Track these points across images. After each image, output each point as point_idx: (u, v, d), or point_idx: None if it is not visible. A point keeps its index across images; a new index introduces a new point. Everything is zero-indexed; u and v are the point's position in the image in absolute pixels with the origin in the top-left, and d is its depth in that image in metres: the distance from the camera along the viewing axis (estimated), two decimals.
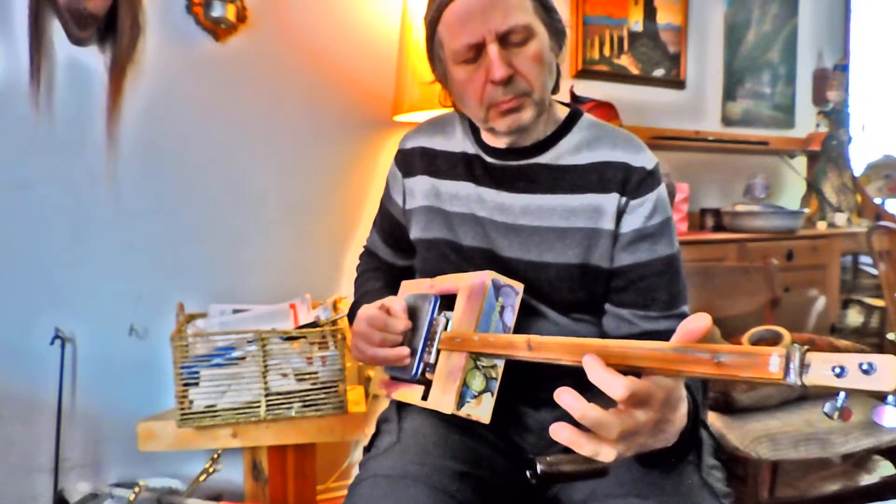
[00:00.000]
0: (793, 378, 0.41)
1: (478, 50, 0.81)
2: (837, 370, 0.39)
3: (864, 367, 0.38)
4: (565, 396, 0.52)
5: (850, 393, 0.40)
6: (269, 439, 1.41)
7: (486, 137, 0.93)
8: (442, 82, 0.92)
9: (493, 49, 0.79)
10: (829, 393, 0.42)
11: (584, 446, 0.53)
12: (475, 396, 0.76)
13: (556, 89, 0.89)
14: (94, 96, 1.55)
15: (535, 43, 0.82)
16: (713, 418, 1.40)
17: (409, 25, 1.67)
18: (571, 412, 0.52)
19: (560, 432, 0.52)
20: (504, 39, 0.80)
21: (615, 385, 0.51)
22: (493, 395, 0.77)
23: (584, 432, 0.53)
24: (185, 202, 1.67)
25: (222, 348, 1.36)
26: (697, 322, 0.51)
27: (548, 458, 0.63)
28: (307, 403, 1.39)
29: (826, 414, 0.41)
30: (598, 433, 0.52)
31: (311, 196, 1.81)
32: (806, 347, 0.42)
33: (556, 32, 0.86)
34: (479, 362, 0.77)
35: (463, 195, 0.93)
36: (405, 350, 0.84)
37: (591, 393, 0.53)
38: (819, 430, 1.31)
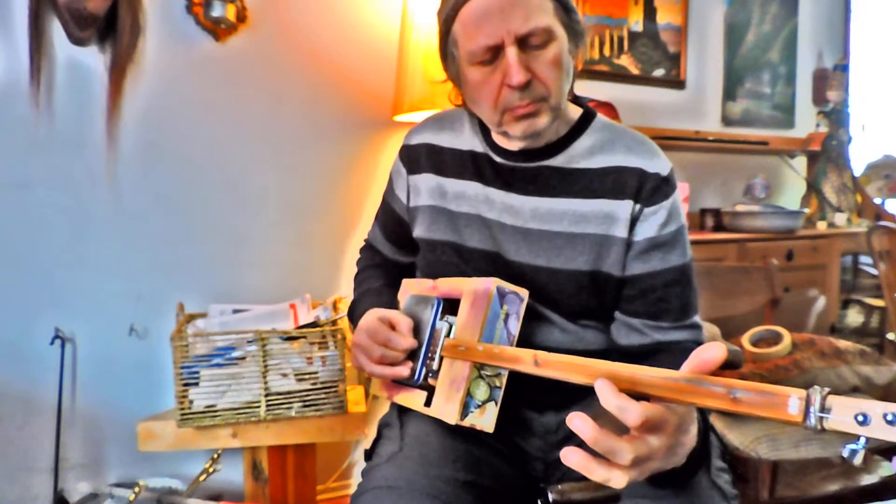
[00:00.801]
0: (812, 422, 0.40)
1: (495, 52, 0.77)
2: (860, 418, 0.38)
3: (889, 417, 0.37)
4: (577, 421, 0.50)
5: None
6: (269, 439, 1.41)
7: (497, 138, 0.90)
8: (454, 82, 0.88)
9: (511, 52, 0.76)
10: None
11: (596, 472, 0.51)
12: (479, 406, 0.75)
13: (570, 91, 0.86)
14: (94, 96, 1.55)
15: (554, 46, 0.78)
16: (713, 418, 1.40)
17: (409, 25, 1.67)
18: (583, 438, 0.50)
19: (570, 457, 0.51)
20: (523, 42, 0.76)
21: (629, 412, 0.50)
22: (496, 404, 0.76)
23: (595, 457, 0.51)
24: (185, 202, 1.67)
25: (222, 348, 1.36)
26: (711, 353, 0.49)
27: (559, 487, 0.62)
28: (307, 403, 1.39)
29: (844, 458, 0.40)
30: (610, 459, 0.51)
31: (311, 196, 1.81)
32: (827, 391, 0.40)
33: (576, 34, 0.82)
34: (483, 371, 0.75)
35: (470, 195, 0.90)
36: (405, 371, 0.82)
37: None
38: None
